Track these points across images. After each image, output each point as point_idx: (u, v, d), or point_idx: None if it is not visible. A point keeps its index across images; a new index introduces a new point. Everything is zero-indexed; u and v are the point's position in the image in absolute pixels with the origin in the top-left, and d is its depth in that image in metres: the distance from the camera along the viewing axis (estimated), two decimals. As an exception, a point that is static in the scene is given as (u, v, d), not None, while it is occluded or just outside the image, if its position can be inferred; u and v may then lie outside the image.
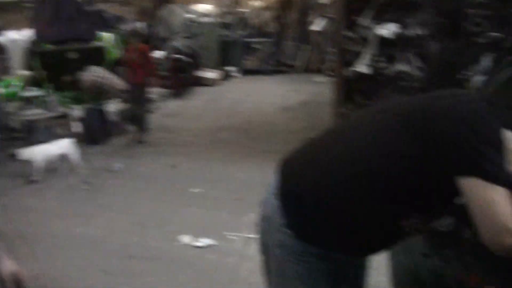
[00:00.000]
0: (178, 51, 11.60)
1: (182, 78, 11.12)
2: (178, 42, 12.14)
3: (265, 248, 1.81)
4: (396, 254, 2.25)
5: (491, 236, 1.36)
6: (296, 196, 1.66)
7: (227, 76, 13.41)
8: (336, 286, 1.80)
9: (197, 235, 4.31)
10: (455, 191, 1.45)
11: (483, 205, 1.38)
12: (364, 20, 5.77)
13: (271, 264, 1.79)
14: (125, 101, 7.95)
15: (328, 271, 1.71)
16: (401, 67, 5.26)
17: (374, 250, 1.74)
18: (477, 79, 4.18)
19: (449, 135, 1.45)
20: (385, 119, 1.63)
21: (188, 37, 12.74)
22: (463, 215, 1.58)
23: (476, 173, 1.38)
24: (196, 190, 5.49)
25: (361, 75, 5.70)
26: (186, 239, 4.28)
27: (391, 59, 5.46)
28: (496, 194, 1.37)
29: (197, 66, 12.31)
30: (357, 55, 5.79)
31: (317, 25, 13.21)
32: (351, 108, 5.77)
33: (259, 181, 5.53)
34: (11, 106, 8.03)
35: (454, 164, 1.43)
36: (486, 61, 4.21)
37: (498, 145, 1.41)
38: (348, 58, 5.97)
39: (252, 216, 4.52)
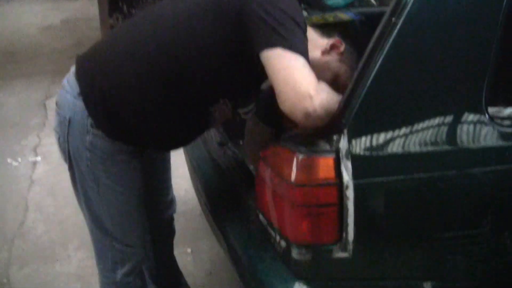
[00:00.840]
0: None
1: None
2: None
3: (70, 156, 1.72)
4: (193, 147, 2.43)
5: (293, 103, 1.35)
6: (101, 94, 1.59)
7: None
8: (149, 180, 1.91)
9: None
10: (262, 74, 1.49)
11: (285, 73, 1.37)
12: None
13: (81, 172, 1.72)
14: None
15: (141, 168, 1.75)
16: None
17: (184, 141, 1.81)
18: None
19: (248, 10, 1.45)
20: (185, 7, 1.60)
21: None
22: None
23: (278, 44, 1.39)
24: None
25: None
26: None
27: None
28: (297, 62, 1.38)
29: None
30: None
31: None
32: (119, 17, 5.64)
33: (32, 103, 5.26)
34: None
35: (256, 38, 1.43)
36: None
37: (297, 18, 1.47)
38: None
39: (32, 139, 4.39)
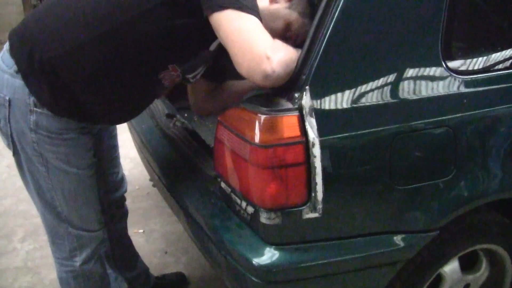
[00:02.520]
0: None
1: None
2: None
3: (14, 140, 1.60)
4: (140, 122, 2.34)
5: (250, 66, 1.31)
6: (42, 67, 1.48)
7: None
8: (99, 159, 1.81)
9: None
10: (210, 37, 1.45)
11: (240, 35, 1.33)
12: None
13: (27, 156, 1.60)
14: None
15: (90, 144, 1.66)
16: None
17: (133, 111, 1.72)
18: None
19: None
20: None
21: None
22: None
23: (227, 5, 1.34)
24: None
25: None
26: None
27: None
28: (251, 23, 1.34)
29: None
30: None
31: None
32: None
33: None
34: None
35: (205, 2, 1.38)
36: None
37: None
38: None
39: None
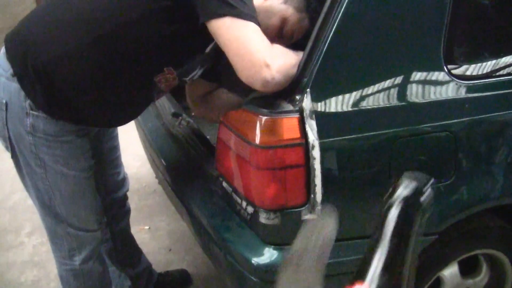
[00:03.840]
0: None
1: None
2: None
3: (12, 142, 1.60)
4: (146, 121, 2.36)
5: (250, 73, 1.32)
6: (37, 71, 1.47)
7: None
8: (98, 160, 1.82)
9: None
10: (207, 40, 1.45)
11: (239, 43, 1.33)
12: None
13: (25, 159, 1.61)
14: None
15: (87, 147, 1.66)
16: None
17: (130, 115, 1.71)
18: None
19: None
20: None
21: None
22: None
23: (226, 12, 1.33)
24: None
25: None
26: None
27: None
28: (249, 30, 1.33)
29: None
30: None
31: None
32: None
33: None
34: None
35: (202, 9, 1.36)
36: None
37: None
38: None
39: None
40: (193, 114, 1.98)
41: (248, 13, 1.35)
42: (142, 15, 1.44)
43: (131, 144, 3.33)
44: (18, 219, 3.05)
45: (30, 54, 1.49)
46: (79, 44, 1.46)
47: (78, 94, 1.52)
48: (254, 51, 1.31)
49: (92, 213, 1.75)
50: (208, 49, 1.60)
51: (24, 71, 1.49)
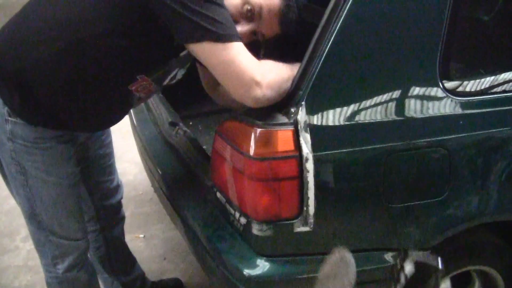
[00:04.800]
0: None
1: None
2: None
3: None
4: (143, 129, 2.37)
5: (240, 93, 1.33)
6: (13, 78, 1.46)
7: None
8: (87, 168, 1.84)
9: None
10: (180, 47, 1.42)
11: (224, 66, 1.31)
12: None
13: (7, 166, 1.60)
14: None
15: (70, 153, 1.64)
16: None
17: (109, 121, 1.69)
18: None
19: (157, 3, 1.31)
20: None
21: None
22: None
23: (202, 37, 1.29)
24: None
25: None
26: None
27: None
28: (231, 52, 1.30)
29: None
30: None
31: None
32: None
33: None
34: None
35: (177, 33, 1.33)
36: None
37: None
38: None
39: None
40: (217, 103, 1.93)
41: (226, 33, 1.31)
42: (113, 28, 1.41)
43: (129, 151, 3.33)
44: (14, 224, 3.05)
45: (7, 61, 1.48)
46: (53, 50, 1.44)
47: (55, 99, 1.51)
48: (241, 72, 1.31)
49: (75, 221, 1.72)
50: (182, 53, 1.56)
51: (1, 77, 1.49)
